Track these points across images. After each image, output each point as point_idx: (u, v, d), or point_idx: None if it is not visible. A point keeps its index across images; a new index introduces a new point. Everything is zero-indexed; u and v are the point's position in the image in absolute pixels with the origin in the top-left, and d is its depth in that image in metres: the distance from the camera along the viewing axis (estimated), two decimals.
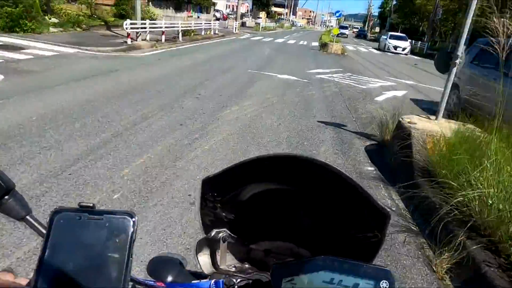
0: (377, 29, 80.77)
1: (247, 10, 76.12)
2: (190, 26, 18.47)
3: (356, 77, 10.80)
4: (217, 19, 49.69)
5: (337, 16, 20.27)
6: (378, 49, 27.67)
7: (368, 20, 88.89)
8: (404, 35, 28.33)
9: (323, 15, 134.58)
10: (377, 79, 10.88)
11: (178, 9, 26.95)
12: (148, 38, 13.69)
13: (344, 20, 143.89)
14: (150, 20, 15.66)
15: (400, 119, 4.40)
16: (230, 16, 58.11)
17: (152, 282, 0.48)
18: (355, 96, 7.72)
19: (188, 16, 28.34)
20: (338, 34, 34.87)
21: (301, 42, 25.98)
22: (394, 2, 49.48)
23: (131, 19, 13.05)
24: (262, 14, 46.99)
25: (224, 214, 0.56)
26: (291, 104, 6.33)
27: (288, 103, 6.34)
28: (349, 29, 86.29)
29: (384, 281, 0.40)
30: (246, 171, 0.51)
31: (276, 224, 0.55)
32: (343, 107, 6.53)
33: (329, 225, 0.51)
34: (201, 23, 20.76)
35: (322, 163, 0.46)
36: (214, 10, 55.20)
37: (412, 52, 30.09)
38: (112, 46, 11.09)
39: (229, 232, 0.57)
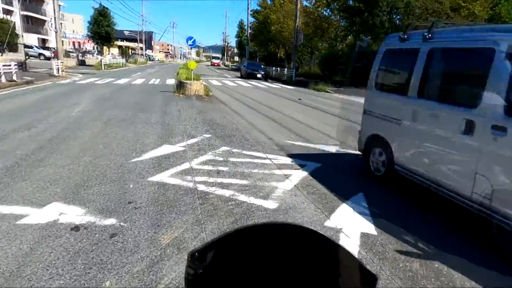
0: (236, 58, 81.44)
1: (94, 47, 66.02)
2: None
3: (240, 157, 5.31)
4: (47, 58, 39.35)
5: (190, 45, 15.14)
6: None
7: (226, 50, 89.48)
8: None
9: (181, 47, 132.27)
10: (279, 154, 5.64)
11: None
12: None
13: (203, 51, 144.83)
14: None
15: None
16: (70, 54, 47.87)
17: None
18: None
19: None
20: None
21: (152, 81, 19.90)
22: (250, 31, 48.68)
23: None
24: (105, 50, 39.06)
25: (208, 279, 0.51)
26: None
27: None
28: (221, 60, 77.55)
29: None
30: (234, 242, 0.49)
31: (259, 282, 0.50)
32: None
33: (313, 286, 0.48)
34: None
35: (312, 231, 0.46)
36: (40, 47, 44.14)
37: (280, 80, 27.68)
38: None
39: None
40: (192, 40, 14.89)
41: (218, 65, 66.30)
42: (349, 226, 3.19)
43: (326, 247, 0.47)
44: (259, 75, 27.65)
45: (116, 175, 4.24)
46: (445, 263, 2.65)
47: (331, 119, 9.84)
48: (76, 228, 2.94)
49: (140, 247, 2.69)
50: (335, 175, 4.71)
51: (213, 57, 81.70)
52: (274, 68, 35.32)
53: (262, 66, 31.10)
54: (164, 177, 4.26)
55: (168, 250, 2.67)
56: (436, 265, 2.63)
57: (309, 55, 38.42)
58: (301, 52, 39.75)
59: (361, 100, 15.55)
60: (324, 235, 0.47)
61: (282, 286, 0.50)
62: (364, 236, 3.03)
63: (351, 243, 2.89)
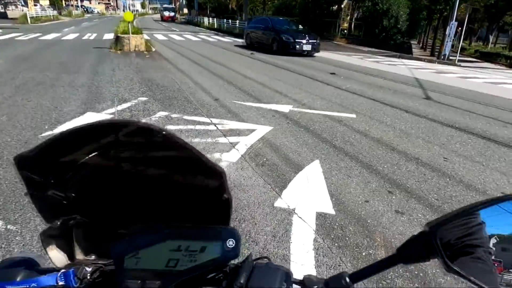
0: (186, 10, 75.85)
1: None
2: None
3: (180, 124, 4.57)
4: None
5: None
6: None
7: (174, 0, 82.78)
8: None
9: None
10: (226, 118, 4.95)
11: None
12: None
13: (149, 3, 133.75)
14: None
15: None
16: None
17: None
18: None
19: None
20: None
21: (86, 36, 17.67)
22: None
23: None
24: (30, 0, 34.06)
25: (67, 196, 0.47)
26: None
27: None
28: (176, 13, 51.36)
29: (231, 239, 0.42)
30: (68, 145, 0.44)
31: (124, 199, 0.48)
32: None
33: (173, 192, 0.46)
34: None
35: (151, 126, 0.42)
36: None
37: (232, 33, 26.13)
38: None
39: (81, 217, 0.48)
40: None
41: (174, 19, 47.55)
42: (303, 205, 2.70)
43: (167, 143, 0.42)
44: (307, 47, 13.21)
45: None
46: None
47: (285, 74, 9.20)
48: None
49: None
50: (288, 139, 4.17)
51: (165, 9, 52.33)
52: (225, 20, 33.30)
53: (302, 28, 15.67)
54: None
55: None
56: None
57: (262, 6, 36.49)
58: (254, 3, 37.66)
59: (315, 53, 14.87)
60: (162, 128, 0.42)
61: (139, 190, 0.47)
62: (321, 217, 2.56)
63: (306, 228, 2.41)
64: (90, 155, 0.44)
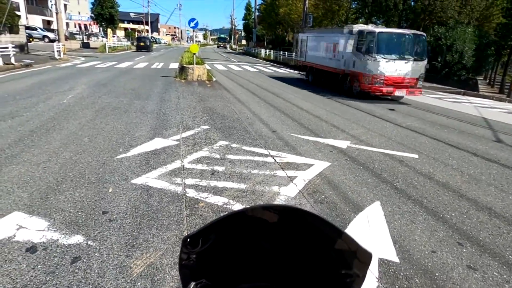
0: (244, 42, 79.83)
1: (100, 29, 65.22)
2: None
3: (239, 154, 4.73)
4: (51, 40, 38.75)
5: (192, 27, 14.32)
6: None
7: (234, 33, 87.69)
8: None
9: (188, 30, 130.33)
10: (283, 151, 5.04)
11: None
12: None
13: (210, 34, 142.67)
14: None
15: None
16: (76, 36, 47.22)
17: None
18: None
19: None
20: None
21: (155, 65, 19.25)
22: (257, 13, 47.29)
23: None
24: (109, 32, 38.27)
25: (201, 264, 0.52)
26: None
27: None
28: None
29: None
30: (225, 225, 0.50)
31: (253, 264, 0.52)
32: None
33: (307, 264, 0.50)
34: None
35: (304, 212, 0.48)
36: (45, 29, 43.45)
37: (288, 65, 26.76)
38: None
39: (206, 281, 0.52)
40: (194, 22, 14.08)
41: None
42: None
43: (319, 226, 0.48)
44: None
45: (96, 176, 3.71)
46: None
47: (341, 108, 9.16)
48: (33, 248, 2.43)
49: (105, 278, 2.17)
50: (347, 177, 4.12)
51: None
52: (282, 52, 34.32)
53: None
54: (150, 178, 3.72)
55: (139, 283, 2.14)
56: None
57: None
58: None
59: None
60: (316, 214, 0.48)
61: (277, 267, 0.50)
62: (384, 264, 2.46)
63: (368, 275, 2.31)
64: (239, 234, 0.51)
